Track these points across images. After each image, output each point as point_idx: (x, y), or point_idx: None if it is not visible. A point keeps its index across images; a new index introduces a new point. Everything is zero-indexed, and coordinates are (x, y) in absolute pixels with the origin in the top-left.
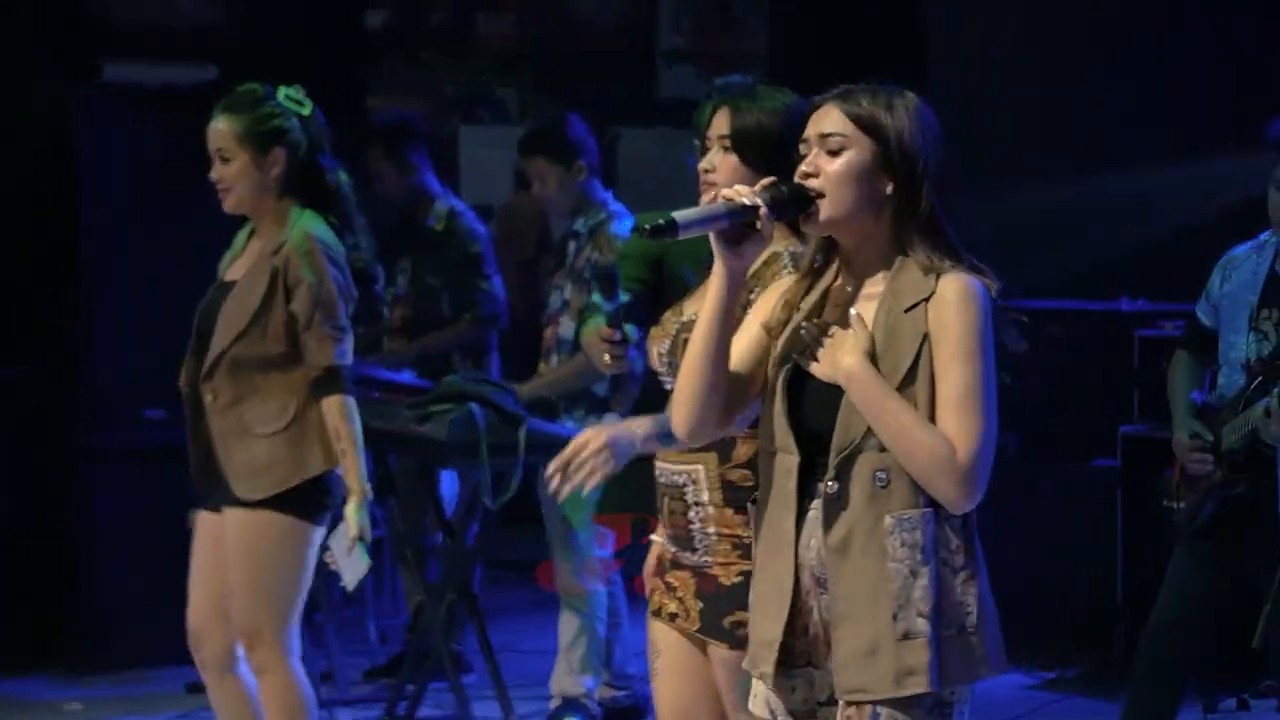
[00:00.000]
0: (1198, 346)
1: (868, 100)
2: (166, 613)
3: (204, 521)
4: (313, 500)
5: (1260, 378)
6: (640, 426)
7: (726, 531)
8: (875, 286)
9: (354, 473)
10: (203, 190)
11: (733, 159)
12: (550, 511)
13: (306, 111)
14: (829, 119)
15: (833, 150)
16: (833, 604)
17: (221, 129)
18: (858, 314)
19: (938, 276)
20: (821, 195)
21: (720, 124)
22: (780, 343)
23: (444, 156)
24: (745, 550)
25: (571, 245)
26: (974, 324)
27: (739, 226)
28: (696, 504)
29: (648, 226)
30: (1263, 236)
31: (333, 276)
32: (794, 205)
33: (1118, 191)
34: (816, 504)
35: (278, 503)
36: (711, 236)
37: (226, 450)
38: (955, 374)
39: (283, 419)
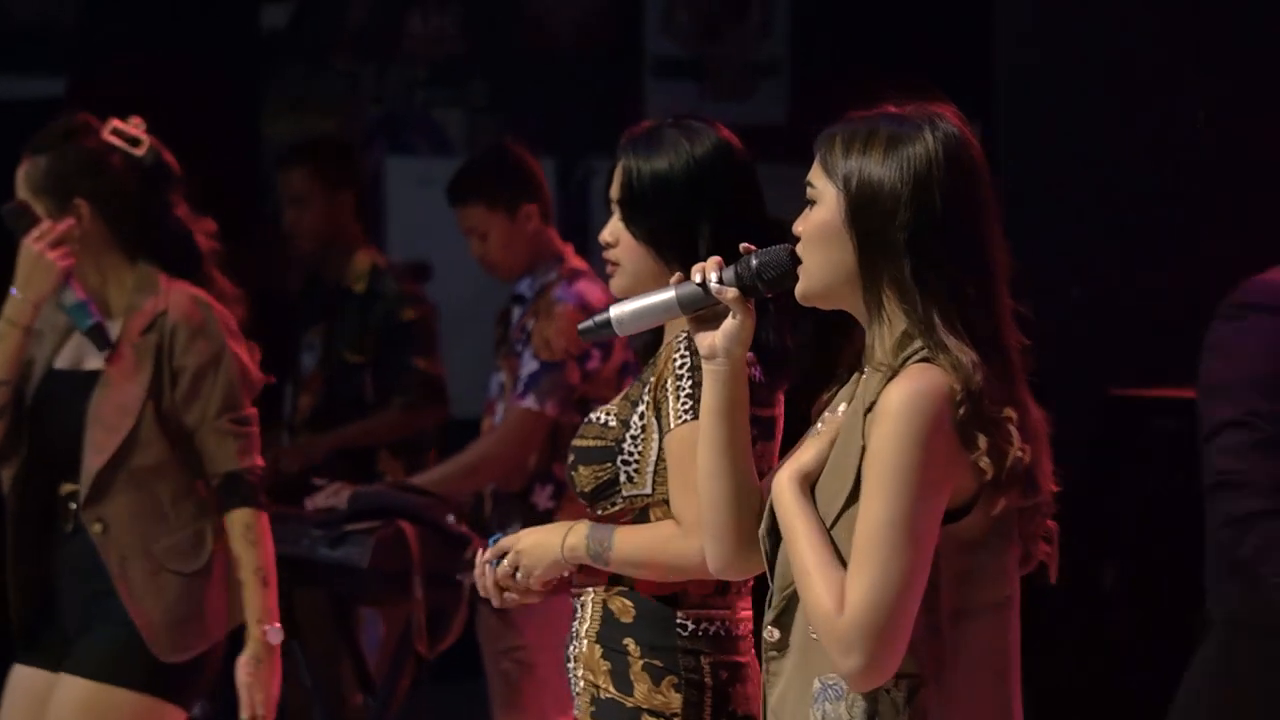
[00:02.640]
0: None
1: (845, 136)
2: None
3: (24, 679)
4: (193, 675)
5: None
6: (569, 537)
7: (588, 679)
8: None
9: (254, 614)
10: None
11: (623, 227)
12: (493, 658)
13: (141, 150)
14: (814, 164)
15: (810, 204)
16: None
17: (22, 175)
18: (841, 415)
19: (896, 370)
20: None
21: (616, 183)
22: None
23: (364, 197)
24: (604, 709)
25: (515, 312)
26: (901, 444)
27: (705, 312)
28: (575, 639)
29: (580, 328)
30: None
31: (234, 353)
32: (766, 280)
33: (1254, 251)
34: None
35: (142, 677)
36: (688, 323)
37: (134, 596)
38: (865, 508)
39: (201, 555)
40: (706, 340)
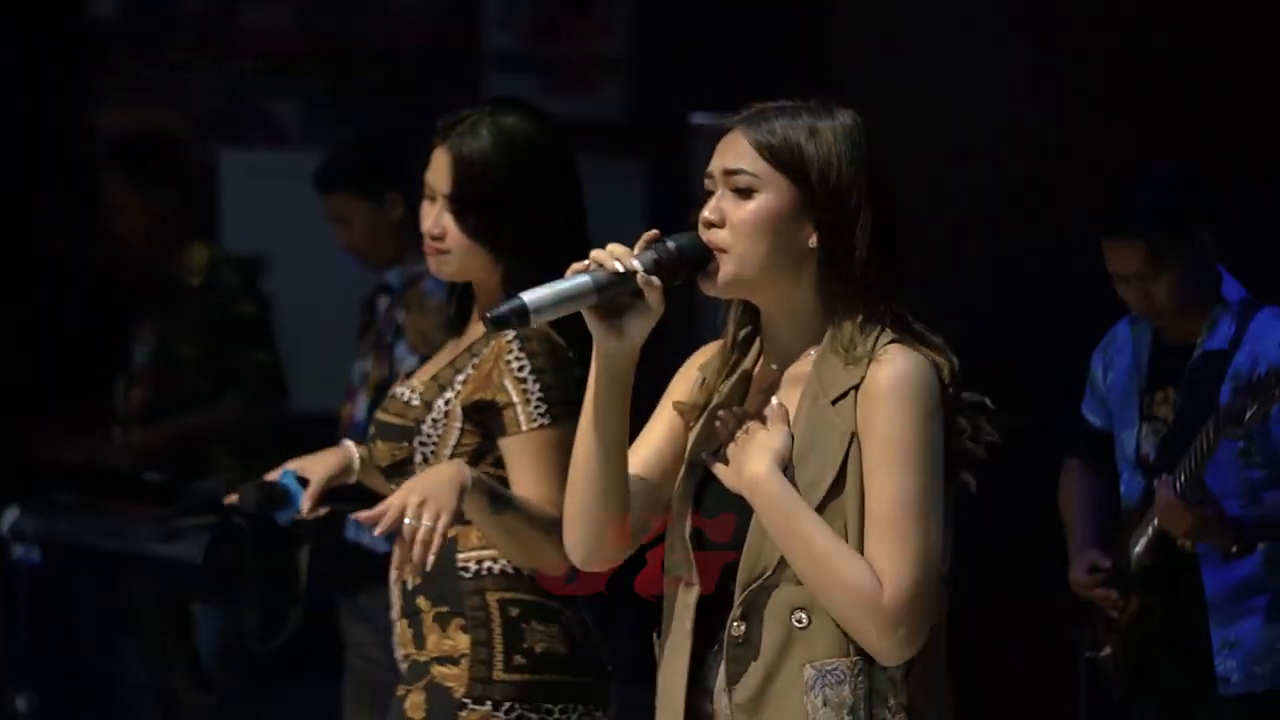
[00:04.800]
0: (1090, 452)
1: (784, 125)
2: None
3: None
4: None
5: (1159, 472)
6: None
7: (403, 654)
8: (803, 368)
9: None
10: None
11: (453, 221)
12: (357, 652)
13: None
14: (735, 150)
15: (740, 191)
16: None
17: None
18: (779, 404)
19: (870, 356)
20: (724, 250)
21: (438, 171)
22: (693, 436)
23: (194, 189)
24: (409, 675)
25: (381, 302)
26: (911, 419)
27: (615, 299)
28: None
29: (489, 315)
30: None
31: None
32: (686, 266)
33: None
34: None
35: None
36: (584, 312)
37: None
38: (885, 485)
39: None
40: (610, 326)
